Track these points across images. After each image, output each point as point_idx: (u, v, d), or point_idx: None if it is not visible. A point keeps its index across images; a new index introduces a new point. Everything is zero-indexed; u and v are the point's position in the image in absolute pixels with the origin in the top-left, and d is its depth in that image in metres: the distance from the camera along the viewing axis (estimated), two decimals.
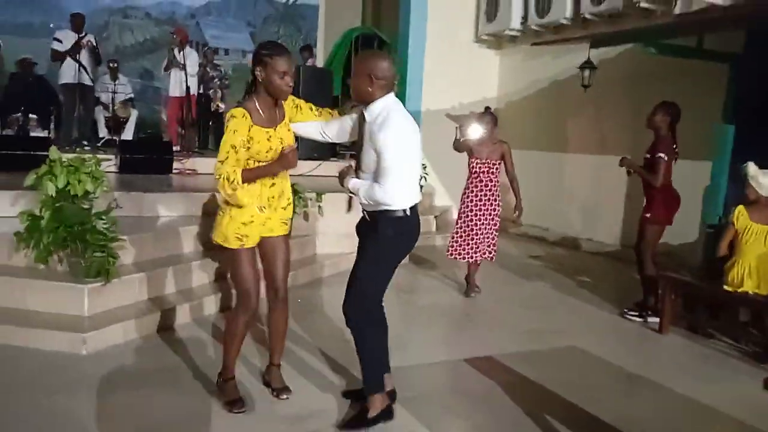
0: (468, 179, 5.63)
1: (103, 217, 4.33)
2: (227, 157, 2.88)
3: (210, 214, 5.60)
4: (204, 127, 9.78)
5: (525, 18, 8.72)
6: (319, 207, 6.24)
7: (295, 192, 5.88)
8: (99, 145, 8.53)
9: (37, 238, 4.18)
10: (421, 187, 8.21)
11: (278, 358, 3.40)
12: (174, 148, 7.75)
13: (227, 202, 3.03)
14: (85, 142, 8.12)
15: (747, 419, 3.33)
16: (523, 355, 4.17)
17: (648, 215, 5.03)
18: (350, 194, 3.03)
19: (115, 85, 9.61)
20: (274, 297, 3.24)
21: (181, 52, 8.55)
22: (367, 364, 3.05)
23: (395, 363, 3.29)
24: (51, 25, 10.57)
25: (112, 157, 7.02)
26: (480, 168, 5.51)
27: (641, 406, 3.47)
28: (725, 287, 4.34)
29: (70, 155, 4.64)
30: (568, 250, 8.11)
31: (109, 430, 2.94)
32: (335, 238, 6.41)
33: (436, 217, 8.61)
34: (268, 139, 2.98)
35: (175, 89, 8.71)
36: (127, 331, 4.10)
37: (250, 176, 2.96)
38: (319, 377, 3.62)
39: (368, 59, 2.97)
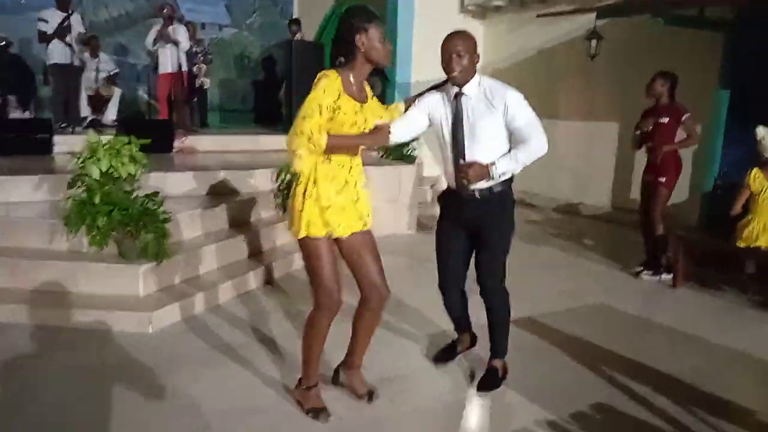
0: None
1: (154, 198, 4.39)
2: (311, 115, 2.59)
3: (220, 193, 5.72)
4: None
5: None
6: None
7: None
8: (84, 126, 8.38)
9: (91, 221, 4.22)
10: (415, 157, 8.44)
11: (361, 360, 3.13)
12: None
13: (303, 184, 2.75)
14: (64, 125, 7.93)
15: None
16: (559, 314, 4.47)
17: (662, 179, 5.32)
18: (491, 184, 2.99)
19: (96, 62, 9.42)
20: (373, 295, 2.90)
21: (171, 28, 8.42)
22: (507, 330, 3.30)
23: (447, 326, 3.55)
24: (22, 1, 10.22)
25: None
26: None
27: (685, 355, 3.80)
28: (739, 243, 4.72)
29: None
30: (561, 215, 8.48)
31: (217, 403, 3.08)
32: None
33: (431, 186, 8.84)
34: (355, 113, 2.70)
35: (167, 66, 8.57)
36: (184, 309, 4.22)
37: (335, 143, 2.67)
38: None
39: (468, 37, 2.95)
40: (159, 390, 3.18)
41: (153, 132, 7.41)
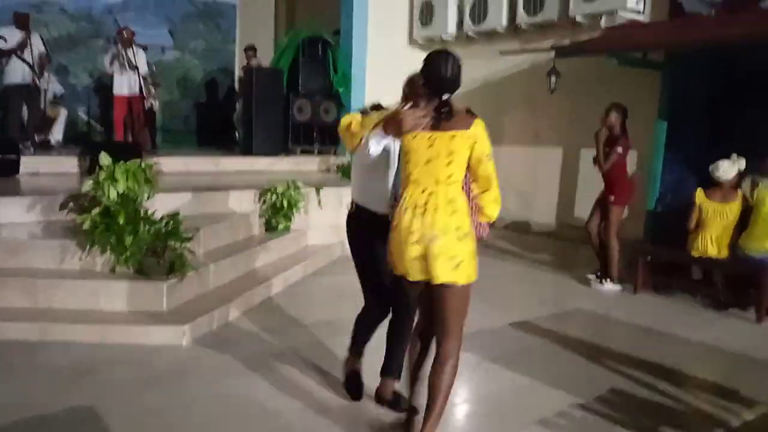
0: None
1: (175, 217, 4.55)
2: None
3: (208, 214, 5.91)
4: None
5: (460, 24, 9.60)
6: (319, 201, 6.68)
7: (295, 187, 6.38)
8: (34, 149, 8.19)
9: (115, 241, 4.32)
10: None
11: None
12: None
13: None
14: (30, 145, 7.76)
15: (743, 350, 4.40)
16: (546, 318, 4.99)
17: (613, 198, 6.03)
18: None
19: (42, 82, 9.22)
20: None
21: (130, 51, 8.45)
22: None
23: None
24: None
25: None
26: None
27: (668, 350, 4.37)
28: (693, 253, 5.47)
29: None
30: (511, 232, 9.15)
31: (290, 403, 3.33)
32: (327, 230, 6.89)
33: None
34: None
35: (123, 89, 8.56)
36: (209, 321, 4.39)
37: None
38: None
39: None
40: (226, 396, 3.39)
41: (121, 154, 7.47)
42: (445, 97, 2.68)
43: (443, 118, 2.65)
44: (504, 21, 8.92)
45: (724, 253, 5.35)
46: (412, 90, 2.98)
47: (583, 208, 8.46)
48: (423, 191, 2.66)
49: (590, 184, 7.07)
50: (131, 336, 4.07)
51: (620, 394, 3.59)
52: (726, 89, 6.74)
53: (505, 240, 8.47)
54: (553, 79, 7.22)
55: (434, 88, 2.69)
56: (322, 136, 9.62)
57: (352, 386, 3.41)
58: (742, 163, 5.47)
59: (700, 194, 5.51)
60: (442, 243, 2.59)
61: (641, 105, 7.06)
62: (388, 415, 3.19)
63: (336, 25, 10.16)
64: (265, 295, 5.24)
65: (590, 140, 6.39)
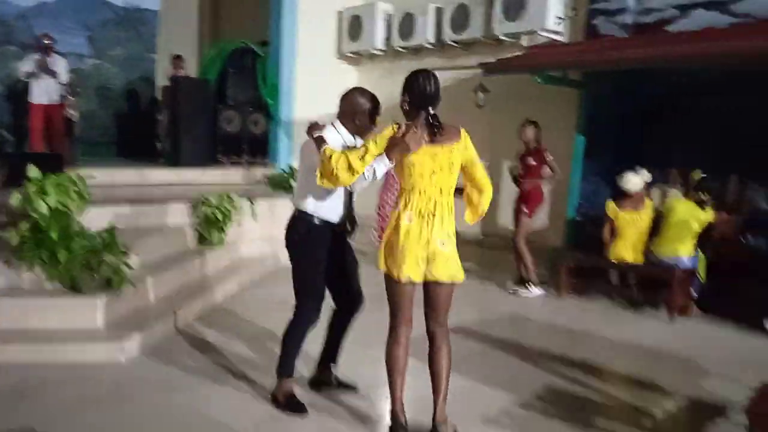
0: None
1: (111, 231, 4.45)
2: None
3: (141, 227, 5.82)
4: None
5: (388, 39, 9.83)
6: (253, 212, 6.67)
7: (229, 199, 6.36)
8: None
9: (48, 256, 4.19)
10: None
11: None
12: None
13: None
14: None
15: (658, 346, 4.77)
16: (482, 323, 5.21)
17: (524, 208, 6.38)
18: None
19: None
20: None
21: (50, 59, 8.14)
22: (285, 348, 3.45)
23: None
24: None
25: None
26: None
27: (592, 348, 4.67)
28: (611, 258, 5.86)
29: None
30: None
31: (242, 416, 3.35)
32: (260, 241, 6.89)
33: None
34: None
35: (42, 97, 8.21)
36: (146, 336, 4.31)
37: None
38: None
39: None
40: (171, 410, 3.37)
41: (42, 166, 7.18)
42: (431, 111, 2.94)
43: (437, 132, 2.92)
44: (431, 37, 9.22)
45: (639, 258, 5.77)
46: (374, 113, 3.38)
47: (507, 216, 8.84)
48: (429, 200, 2.93)
49: (513, 195, 7.39)
50: (68, 355, 3.95)
51: (554, 392, 3.83)
52: (637, 107, 7.24)
53: None
54: (480, 95, 7.53)
55: (421, 103, 2.94)
56: (251, 148, 9.58)
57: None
58: (645, 175, 5.92)
59: (611, 206, 5.93)
60: (451, 247, 2.97)
61: (562, 120, 7.50)
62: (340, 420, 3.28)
63: (263, 35, 10.17)
64: (205, 308, 5.21)
65: (511, 153, 6.76)
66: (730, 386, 3.96)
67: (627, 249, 5.77)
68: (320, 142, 3.17)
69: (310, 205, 3.32)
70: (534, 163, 6.41)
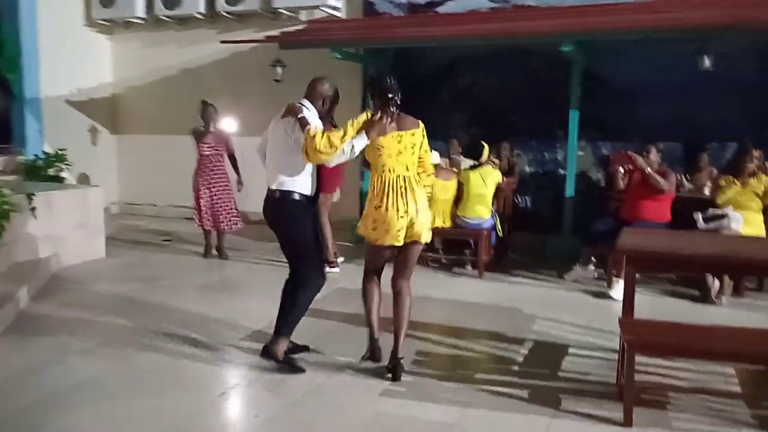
0: (198, 161, 6.57)
1: None
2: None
3: None
4: None
5: (150, 6, 8.97)
6: (33, 209, 5.64)
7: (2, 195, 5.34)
8: None
9: None
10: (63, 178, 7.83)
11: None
12: None
13: None
14: None
15: (483, 300, 5.27)
16: (319, 301, 5.18)
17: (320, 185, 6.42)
18: None
19: None
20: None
21: None
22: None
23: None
24: None
25: None
26: (209, 151, 6.55)
27: (430, 310, 4.84)
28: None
29: None
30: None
31: None
32: (40, 241, 5.90)
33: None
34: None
35: None
36: None
37: None
38: None
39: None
40: None
41: None
42: (396, 102, 3.51)
43: (399, 119, 3.53)
44: (201, 7, 8.67)
45: (448, 223, 6.27)
46: (333, 100, 3.80)
47: None
48: (398, 177, 3.50)
49: None
50: None
51: (428, 355, 4.02)
52: (415, 81, 7.71)
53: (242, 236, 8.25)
54: (279, 70, 7.37)
55: (385, 97, 3.49)
56: None
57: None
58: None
59: None
60: (424, 214, 3.54)
61: (350, 94, 7.72)
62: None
63: None
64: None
65: None
66: (557, 326, 4.61)
67: (438, 215, 6.20)
68: (304, 123, 3.50)
69: (290, 183, 3.59)
70: None
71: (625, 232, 3.77)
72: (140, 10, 8.96)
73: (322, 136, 3.36)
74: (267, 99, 8.46)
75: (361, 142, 3.44)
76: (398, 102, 3.51)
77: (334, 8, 8.23)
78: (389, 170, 3.49)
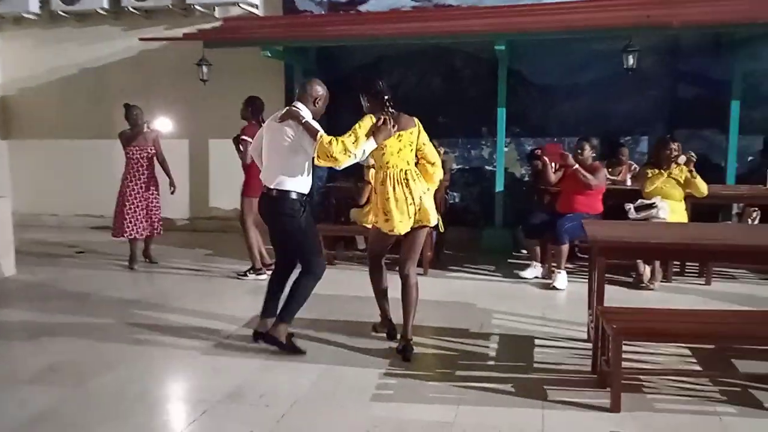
0: (127, 165, 6.23)
1: None
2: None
3: None
4: None
5: (44, 2, 8.26)
6: None
7: None
8: None
9: None
10: None
11: None
12: None
13: None
14: None
15: (428, 297, 5.26)
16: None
17: (244, 191, 5.97)
18: None
19: None
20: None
21: None
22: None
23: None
24: None
25: None
26: (139, 154, 6.21)
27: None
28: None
29: None
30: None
31: None
32: None
33: None
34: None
35: None
36: None
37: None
38: None
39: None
40: None
41: None
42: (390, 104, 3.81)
43: (397, 118, 3.81)
44: (105, 2, 8.09)
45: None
46: (325, 99, 3.99)
47: (220, 199, 8.53)
48: (400, 170, 3.83)
49: (231, 177, 6.97)
50: None
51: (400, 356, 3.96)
52: (339, 78, 7.59)
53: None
54: (204, 69, 7.03)
55: (384, 99, 3.79)
56: None
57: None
58: None
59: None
60: (427, 198, 3.86)
61: (273, 92, 7.55)
62: None
63: None
64: None
65: (218, 131, 6.69)
66: (515, 318, 4.73)
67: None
68: (310, 128, 3.69)
69: (289, 183, 3.81)
70: (246, 137, 6.09)
71: (588, 224, 3.92)
72: (34, 5, 8.24)
73: (337, 143, 3.58)
74: (183, 97, 8.09)
75: (370, 146, 3.70)
76: (392, 102, 3.79)
77: (252, 5, 7.97)
78: (393, 166, 3.82)
